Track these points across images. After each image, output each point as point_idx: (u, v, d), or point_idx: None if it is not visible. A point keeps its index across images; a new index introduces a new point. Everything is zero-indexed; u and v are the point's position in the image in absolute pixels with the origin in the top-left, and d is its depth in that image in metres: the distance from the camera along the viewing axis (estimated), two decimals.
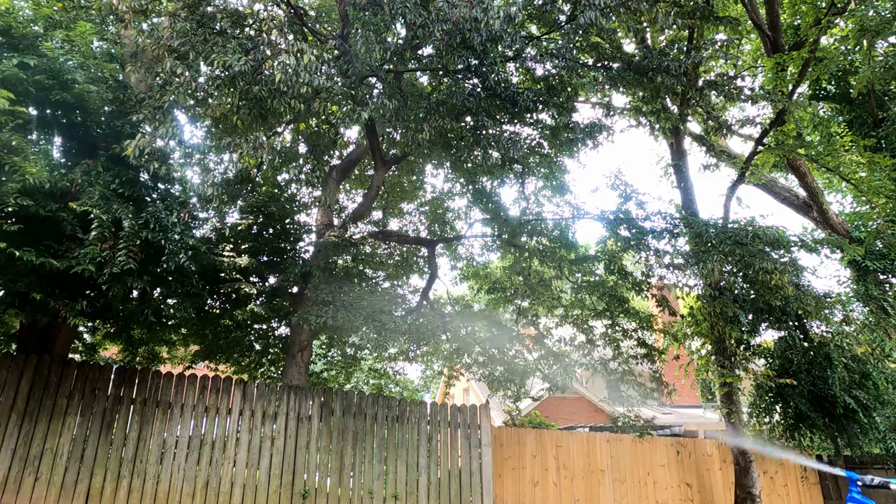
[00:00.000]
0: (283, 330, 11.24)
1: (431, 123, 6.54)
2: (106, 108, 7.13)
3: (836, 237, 10.10)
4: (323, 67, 6.11)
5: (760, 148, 10.73)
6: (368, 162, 11.97)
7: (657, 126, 11.32)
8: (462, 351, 11.28)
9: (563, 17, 7.44)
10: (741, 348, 10.63)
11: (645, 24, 7.31)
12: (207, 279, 8.66)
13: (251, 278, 10.29)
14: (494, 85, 6.91)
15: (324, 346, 12.88)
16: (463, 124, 7.67)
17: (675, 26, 8.67)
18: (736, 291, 10.10)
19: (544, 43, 7.86)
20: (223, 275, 9.12)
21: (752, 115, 9.80)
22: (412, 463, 8.49)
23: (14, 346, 8.66)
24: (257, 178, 10.42)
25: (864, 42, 8.83)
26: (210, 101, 6.62)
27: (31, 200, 5.66)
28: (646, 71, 7.12)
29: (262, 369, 11.70)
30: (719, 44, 8.47)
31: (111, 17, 7.93)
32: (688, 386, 11.80)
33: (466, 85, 7.69)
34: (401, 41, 7.44)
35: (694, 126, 13.17)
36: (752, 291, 9.20)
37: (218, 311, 10.11)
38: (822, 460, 11.92)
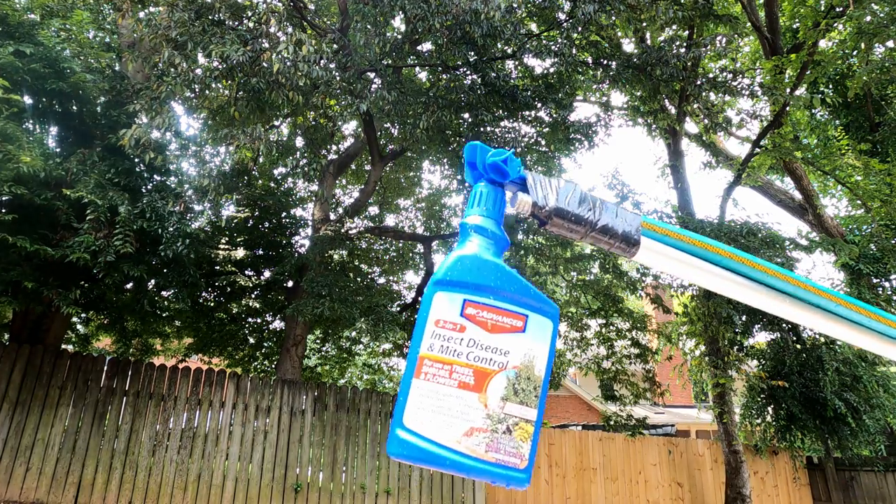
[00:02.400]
0: (278, 324, 11.22)
1: (430, 116, 6.53)
2: (102, 98, 7.09)
3: (830, 239, 10.15)
4: (322, 61, 6.09)
5: (757, 150, 10.77)
6: (366, 157, 11.95)
7: (654, 126, 11.34)
8: None
9: (562, 16, 7.45)
10: (734, 349, 10.68)
11: (644, 23, 7.31)
12: (203, 271, 8.63)
13: (246, 272, 10.26)
14: (494, 80, 6.90)
15: (318, 341, 12.86)
16: (461, 120, 7.66)
17: (674, 25, 8.68)
18: None
19: (544, 41, 7.86)
20: (218, 267, 9.09)
21: (750, 113, 9.80)
22: None
23: (7, 336, 8.61)
24: (254, 172, 10.39)
25: (862, 45, 8.85)
26: (208, 92, 6.59)
27: (26, 189, 5.63)
28: (644, 66, 7.13)
29: (255, 363, 11.68)
30: (719, 42, 8.50)
31: (108, 6, 7.88)
32: (680, 386, 11.85)
33: (465, 82, 7.69)
34: (400, 35, 7.43)
35: (691, 127, 13.21)
36: None
37: (212, 304, 10.09)
38: (812, 462, 12.00)
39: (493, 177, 0.97)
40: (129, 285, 7.61)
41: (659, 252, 1.00)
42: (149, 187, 7.06)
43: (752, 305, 1.05)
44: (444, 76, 8.36)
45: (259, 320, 11.14)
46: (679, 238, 1.01)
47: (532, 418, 0.84)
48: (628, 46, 11.48)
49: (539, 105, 7.75)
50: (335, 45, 6.84)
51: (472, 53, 6.87)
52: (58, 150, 6.89)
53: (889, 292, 11.85)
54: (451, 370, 0.84)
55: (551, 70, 8.63)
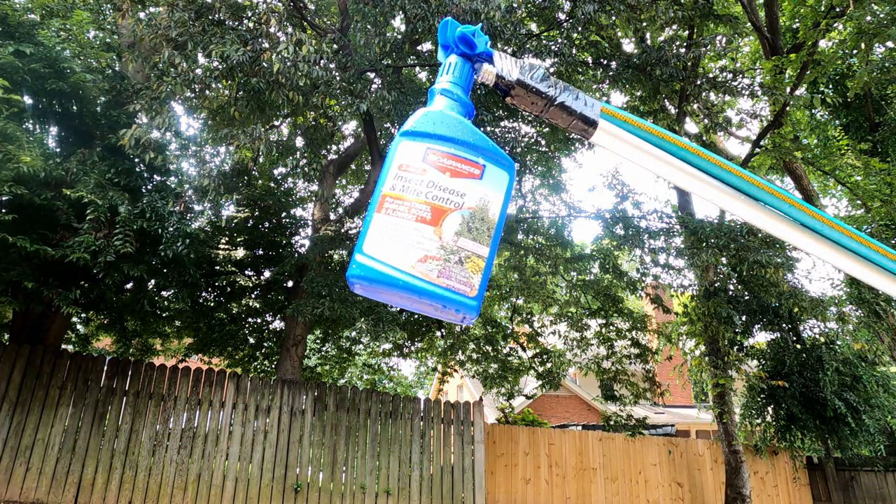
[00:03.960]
0: (278, 324, 11.22)
1: None
2: (102, 98, 7.10)
3: None
4: (322, 61, 6.09)
5: (757, 150, 10.76)
6: (366, 157, 11.95)
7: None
8: (456, 347, 11.29)
9: (562, 16, 7.45)
10: (734, 349, 10.68)
11: (644, 23, 7.31)
12: (203, 271, 8.63)
13: (246, 272, 10.26)
14: None
15: (318, 341, 12.86)
16: None
17: (674, 25, 8.68)
18: (731, 292, 10.13)
19: (543, 41, 7.86)
20: (218, 267, 9.08)
21: (750, 113, 9.80)
22: (405, 458, 8.49)
23: (7, 336, 8.62)
24: (254, 172, 10.40)
25: (862, 45, 8.85)
26: (208, 92, 6.59)
27: (26, 189, 5.63)
28: (644, 66, 7.13)
29: (255, 363, 11.68)
30: (719, 42, 8.50)
31: (108, 6, 7.88)
32: (680, 386, 11.85)
33: None
34: (400, 35, 7.43)
35: (691, 127, 13.21)
36: (746, 292, 9.23)
37: (212, 304, 10.09)
38: (812, 462, 11.99)
39: (463, 49, 1.03)
40: (129, 285, 7.61)
41: (617, 136, 1.06)
42: (149, 187, 7.06)
43: (703, 197, 1.09)
44: None
45: (259, 320, 11.13)
46: (637, 125, 1.06)
47: (484, 255, 0.91)
48: (628, 46, 11.48)
49: None
50: (335, 45, 6.84)
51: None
52: (58, 150, 6.89)
53: None
54: (409, 206, 0.90)
55: (551, 70, 8.63)
